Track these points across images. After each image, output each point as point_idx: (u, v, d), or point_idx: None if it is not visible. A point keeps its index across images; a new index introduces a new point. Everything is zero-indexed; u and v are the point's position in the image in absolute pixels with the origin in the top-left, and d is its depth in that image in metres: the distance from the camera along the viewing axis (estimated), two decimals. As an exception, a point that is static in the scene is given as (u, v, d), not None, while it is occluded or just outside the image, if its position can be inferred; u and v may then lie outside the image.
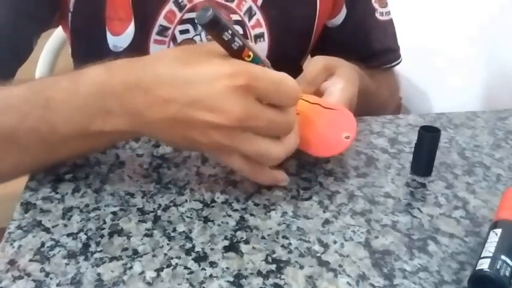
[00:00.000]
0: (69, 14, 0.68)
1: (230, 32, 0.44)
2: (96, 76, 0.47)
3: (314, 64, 0.60)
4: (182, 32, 0.69)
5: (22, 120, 0.48)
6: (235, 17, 0.70)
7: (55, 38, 0.97)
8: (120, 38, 0.68)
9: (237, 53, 0.45)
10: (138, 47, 0.68)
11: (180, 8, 0.68)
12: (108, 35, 0.68)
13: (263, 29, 0.72)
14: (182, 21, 0.68)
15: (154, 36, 0.68)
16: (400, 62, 0.85)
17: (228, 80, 0.44)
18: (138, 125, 0.47)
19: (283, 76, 0.46)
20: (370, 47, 0.81)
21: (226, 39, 0.44)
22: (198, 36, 0.70)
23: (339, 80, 0.58)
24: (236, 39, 0.44)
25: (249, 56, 0.46)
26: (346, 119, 0.55)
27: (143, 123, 0.46)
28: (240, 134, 0.45)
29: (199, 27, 0.69)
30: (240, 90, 0.44)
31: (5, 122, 0.49)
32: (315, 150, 0.53)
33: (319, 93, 0.59)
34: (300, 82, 0.59)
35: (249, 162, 0.48)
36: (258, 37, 0.72)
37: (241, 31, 0.71)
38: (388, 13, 0.82)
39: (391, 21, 0.83)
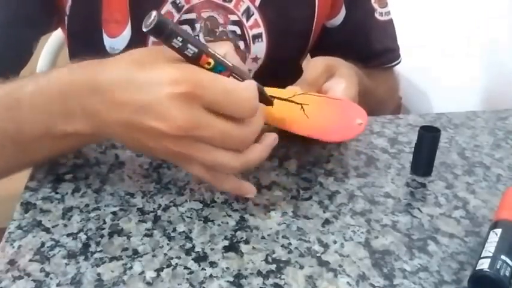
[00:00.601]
0: (66, 17, 0.68)
1: (180, 38, 0.42)
2: (59, 78, 0.48)
3: (314, 65, 0.60)
4: None
5: None
6: (233, 17, 0.70)
7: (55, 38, 0.97)
8: (116, 40, 0.68)
9: (194, 61, 0.43)
10: (135, 49, 0.68)
11: (178, 9, 0.68)
12: (105, 37, 0.68)
13: (261, 29, 0.72)
14: (180, 23, 0.68)
15: (152, 37, 0.68)
16: (400, 61, 0.85)
17: (171, 86, 0.42)
18: (97, 128, 0.46)
19: (237, 85, 0.44)
20: (370, 47, 0.81)
21: (177, 46, 0.42)
22: (196, 37, 0.70)
23: (340, 80, 0.58)
24: (189, 45, 0.42)
25: (209, 63, 0.44)
26: (356, 108, 0.55)
27: (102, 126, 0.46)
28: (192, 143, 0.44)
29: (197, 29, 0.69)
30: (183, 97, 0.42)
31: None
32: (329, 137, 0.53)
33: (320, 94, 0.59)
34: (301, 83, 0.59)
35: (210, 170, 0.46)
36: (256, 37, 0.72)
37: (239, 31, 0.71)
38: (388, 13, 0.82)
39: (390, 21, 0.83)
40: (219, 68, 0.44)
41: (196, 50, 0.43)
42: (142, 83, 0.43)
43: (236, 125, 0.44)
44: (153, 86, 0.43)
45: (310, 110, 0.53)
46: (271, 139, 0.48)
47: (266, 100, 0.49)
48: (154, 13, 0.41)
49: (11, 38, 0.65)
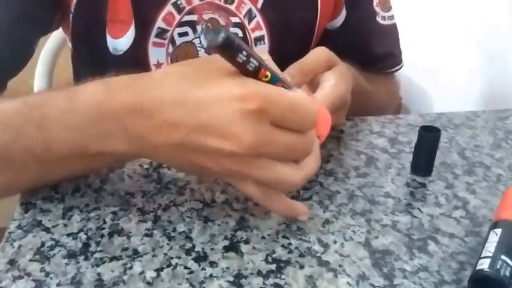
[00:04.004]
0: (71, 16, 0.68)
1: (245, 53, 0.40)
2: (94, 95, 0.44)
3: (318, 55, 0.58)
4: (181, 34, 0.69)
5: (16, 138, 0.46)
6: (234, 19, 0.70)
7: (55, 38, 0.97)
8: (120, 41, 0.68)
9: (253, 74, 0.41)
10: (138, 50, 0.68)
11: (179, 10, 0.68)
12: (108, 38, 0.68)
13: (263, 32, 0.72)
14: (181, 24, 0.68)
15: (153, 38, 0.68)
16: (401, 67, 0.83)
17: (240, 103, 0.40)
18: (140, 149, 0.44)
19: (300, 98, 0.42)
20: (371, 51, 0.80)
21: (241, 61, 0.40)
22: (198, 39, 0.69)
23: (332, 77, 0.57)
24: (252, 59, 0.40)
25: (266, 76, 0.42)
26: (321, 120, 0.52)
27: (146, 148, 0.43)
28: (254, 161, 0.42)
29: (201, 34, 0.69)
30: (253, 114, 0.40)
31: None
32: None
33: (313, 83, 0.57)
34: (296, 68, 0.55)
35: (264, 189, 0.44)
36: (258, 40, 0.72)
37: (241, 34, 0.71)
38: (391, 17, 0.80)
39: (393, 26, 0.81)
40: (274, 79, 0.43)
41: (257, 64, 0.41)
42: (200, 101, 0.41)
43: (297, 136, 0.43)
44: (217, 103, 0.40)
45: None
46: (316, 147, 0.46)
47: None
48: (223, 30, 0.39)
49: (14, 36, 0.64)
